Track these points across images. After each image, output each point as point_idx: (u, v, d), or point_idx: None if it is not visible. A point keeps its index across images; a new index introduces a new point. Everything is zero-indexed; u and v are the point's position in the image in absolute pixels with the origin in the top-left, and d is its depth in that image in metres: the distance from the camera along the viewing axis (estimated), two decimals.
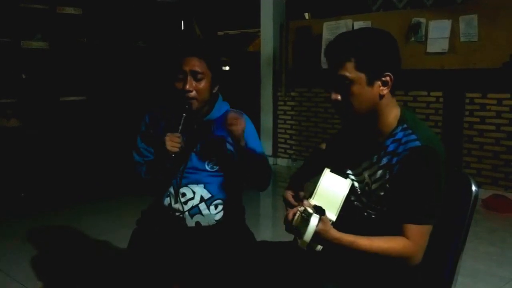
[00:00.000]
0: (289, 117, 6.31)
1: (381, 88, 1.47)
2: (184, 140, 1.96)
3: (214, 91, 2.00)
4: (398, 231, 1.42)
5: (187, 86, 1.89)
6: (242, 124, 1.88)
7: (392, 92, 1.52)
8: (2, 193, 4.44)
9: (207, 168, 2.02)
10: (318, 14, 5.93)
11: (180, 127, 1.90)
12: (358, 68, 1.44)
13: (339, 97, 1.48)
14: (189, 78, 1.90)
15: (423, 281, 1.55)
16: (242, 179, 2.07)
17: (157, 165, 1.96)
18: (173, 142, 1.86)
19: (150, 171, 2.00)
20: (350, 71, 1.44)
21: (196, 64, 1.91)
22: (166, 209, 2.02)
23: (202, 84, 1.92)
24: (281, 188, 1.76)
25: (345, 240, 1.39)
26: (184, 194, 2.00)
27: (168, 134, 1.87)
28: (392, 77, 1.47)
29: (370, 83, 1.46)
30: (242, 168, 1.98)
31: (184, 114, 1.91)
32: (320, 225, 1.35)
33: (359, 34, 1.52)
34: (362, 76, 1.45)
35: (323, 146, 1.89)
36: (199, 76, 1.91)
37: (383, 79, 1.47)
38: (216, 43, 7.68)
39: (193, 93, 1.91)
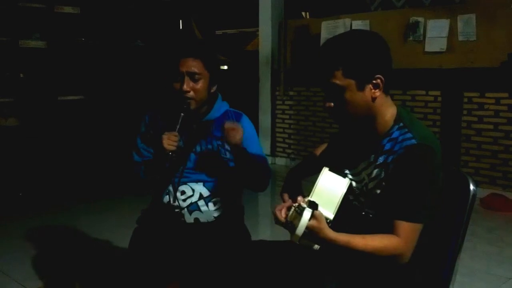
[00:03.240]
0: (287, 116, 6.32)
1: (373, 91, 1.48)
2: (183, 139, 1.97)
3: (212, 91, 2.02)
4: (389, 228, 1.42)
5: (184, 87, 1.92)
6: (239, 133, 1.86)
7: (387, 91, 1.52)
8: (0, 192, 4.44)
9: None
10: (316, 13, 5.94)
11: (178, 126, 1.91)
12: (347, 75, 1.45)
13: (332, 105, 1.51)
14: (186, 78, 1.92)
15: (422, 280, 1.55)
16: (241, 183, 2.07)
17: (155, 164, 1.97)
18: (170, 141, 1.87)
19: (148, 171, 2.02)
20: (339, 79, 1.46)
21: (193, 65, 1.93)
22: (165, 207, 2.03)
23: (200, 85, 1.94)
24: (279, 187, 1.77)
25: (341, 241, 1.39)
26: (183, 192, 2.01)
27: (166, 133, 1.89)
28: (383, 78, 1.47)
29: (361, 88, 1.47)
30: (241, 173, 1.98)
31: (182, 114, 1.92)
32: (314, 222, 1.35)
33: (344, 40, 1.51)
34: (351, 82, 1.46)
35: (323, 146, 1.89)
36: (196, 76, 1.93)
37: (374, 81, 1.47)
38: (214, 42, 7.67)
39: (191, 94, 1.93)
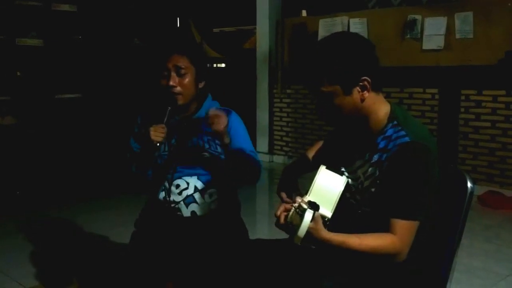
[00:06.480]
0: (285, 114, 6.32)
1: (361, 93, 1.49)
2: (175, 137, 2.00)
3: (200, 87, 2.04)
4: (385, 227, 1.43)
5: (171, 82, 1.95)
6: (223, 122, 1.86)
7: (378, 90, 1.53)
8: None
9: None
10: (314, 11, 5.93)
11: (165, 119, 1.94)
12: (331, 83, 1.47)
13: (323, 110, 1.54)
14: (172, 74, 1.96)
15: (420, 278, 1.56)
16: (232, 175, 2.06)
17: (143, 156, 2.00)
18: (157, 133, 1.90)
19: (137, 163, 2.04)
20: (325, 87, 1.48)
21: (178, 60, 1.97)
22: (161, 203, 2.04)
23: (186, 79, 1.98)
24: (277, 185, 1.78)
25: (335, 241, 1.39)
26: (178, 186, 2.03)
27: (153, 125, 1.92)
28: (370, 79, 1.48)
29: (348, 92, 1.48)
30: (229, 165, 1.98)
31: (169, 108, 1.96)
32: (312, 223, 1.35)
33: (325, 48, 1.51)
34: (337, 87, 1.48)
35: (319, 144, 1.90)
36: (182, 71, 1.97)
37: (361, 84, 1.48)
38: (211, 40, 7.65)
39: (178, 88, 1.97)
